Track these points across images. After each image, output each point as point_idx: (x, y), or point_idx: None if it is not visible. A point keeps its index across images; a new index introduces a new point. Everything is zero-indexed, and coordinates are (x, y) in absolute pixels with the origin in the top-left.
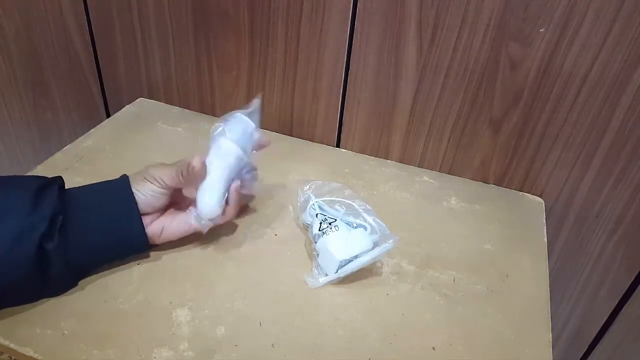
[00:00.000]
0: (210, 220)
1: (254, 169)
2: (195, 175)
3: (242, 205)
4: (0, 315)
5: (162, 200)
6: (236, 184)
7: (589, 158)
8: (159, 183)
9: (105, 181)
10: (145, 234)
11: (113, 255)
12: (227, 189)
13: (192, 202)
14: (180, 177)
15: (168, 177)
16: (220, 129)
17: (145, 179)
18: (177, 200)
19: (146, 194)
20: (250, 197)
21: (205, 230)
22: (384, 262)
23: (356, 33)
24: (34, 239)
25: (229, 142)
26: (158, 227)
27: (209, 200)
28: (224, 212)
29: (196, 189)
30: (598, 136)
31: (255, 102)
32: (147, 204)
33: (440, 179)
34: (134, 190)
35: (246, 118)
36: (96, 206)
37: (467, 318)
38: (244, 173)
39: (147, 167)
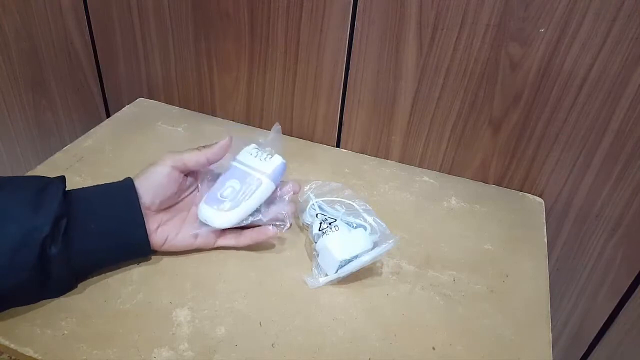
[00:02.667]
0: (208, 227)
1: (281, 217)
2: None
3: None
4: (0, 316)
5: (167, 189)
6: (273, 229)
7: (589, 158)
8: (172, 161)
9: (110, 184)
10: (149, 245)
11: (115, 261)
12: (247, 215)
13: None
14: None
15: (188, 156)
16: (258, 149)
17: (156, 163)
18: (186, 209)
19: (152, 178)
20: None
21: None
22: (384, 262)
23: (356, 33)
24: (37, 244)
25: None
26: (162, 237)
27: (224, 214)
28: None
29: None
30: (598, 136)
31: (276, 129)
32: (151, 191)
33: (440, 179)
34: (138, 182)
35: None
36: (101, 212)
37: (467, 318)
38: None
39: (161, 155)
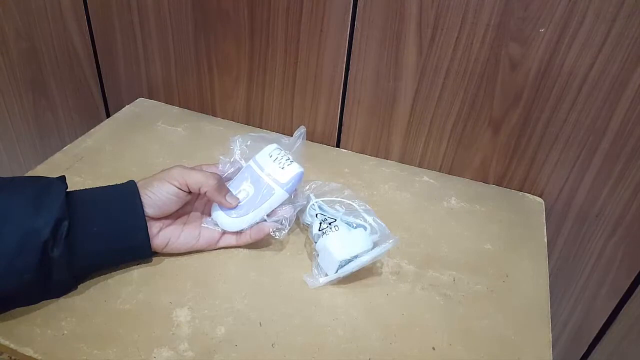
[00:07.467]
0: (222, 229)
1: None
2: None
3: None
4: (1, 316)
5: (173, 206)
6: (270, 224)
7: (589, 158)
8: (179, 184)
9: (113, 186)
10: (150, 247)
11: (116, 263)
12: (255, 221)
13: (202, 213)
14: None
15: (194, 180)
16: (279, 151)
17: (165, 179)
18: (187, 212)
19: (160, 195)
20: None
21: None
22: (384, 262)
23: (356, 33)
24: (38, 246)
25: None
26: (164, 240)
27: (236, 219)
28: (240, 235)
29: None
30: (598, 136)
31: (300, 131)
32: (157, 206)
33: (440, 179)
34: (143, 192)
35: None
36: (103, 215)
37: (467, 318)
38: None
39: (170, 169)
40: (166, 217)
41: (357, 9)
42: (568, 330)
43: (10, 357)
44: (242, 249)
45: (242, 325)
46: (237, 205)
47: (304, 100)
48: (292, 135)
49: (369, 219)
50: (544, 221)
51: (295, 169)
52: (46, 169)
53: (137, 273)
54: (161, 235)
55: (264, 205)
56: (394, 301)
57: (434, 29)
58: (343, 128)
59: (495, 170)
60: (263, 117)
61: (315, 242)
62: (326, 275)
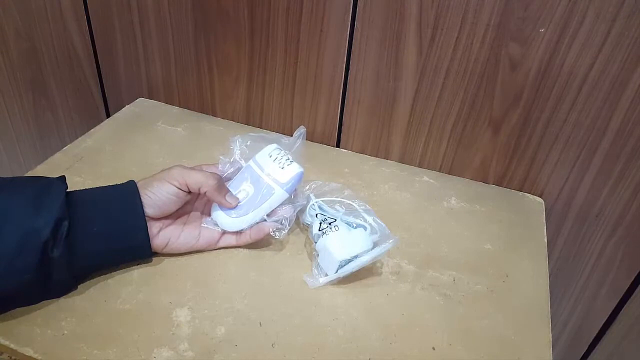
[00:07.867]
0: (223, 229)
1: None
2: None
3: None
4: (1, 316)
5: (173, 206)
6: (270, 224)
7: (589, 158)
8: (179, 184)
9: (113, 186)
10: (150, 247)
11: (116, 263)
12: (255, 222)
13: (202, 213)
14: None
15: (194, 180)
16: (279, 151)
17: (165, 179)
18: (187, 212)
19: (160, 195)
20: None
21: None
22: (384, 262)
23: (356, 33)
24: (38, 246)
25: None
26: (164, 240)
27: (236, 219)
28: (240, 235)
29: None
30: (598, 136)
31: (300, 132)
32: (157, 206)
33: (440, 179)
34: (143, 192)
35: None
36: (103, 215)
37: (467, 318)
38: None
39: (170, 169)
40: (166, 217)
41: (357, 9)
42: (568, 330)
43: (10, 357)
44: (242, 249)
45: (242, 325)
46: (237, 205)
47: (304, 100)
48: (292, 135)
49: (369, 219)
50: (544, 221)
51: (295, 169)
52: (46, 169)
53: (137, 273)
54: (161, 235)
55: (263, 205)
56: (394, 301)
57: (434, 29)
58: (343, 128)
59: (495, 170)
60: (263, 117)
61: (315, 242)
62: (326, 275)
